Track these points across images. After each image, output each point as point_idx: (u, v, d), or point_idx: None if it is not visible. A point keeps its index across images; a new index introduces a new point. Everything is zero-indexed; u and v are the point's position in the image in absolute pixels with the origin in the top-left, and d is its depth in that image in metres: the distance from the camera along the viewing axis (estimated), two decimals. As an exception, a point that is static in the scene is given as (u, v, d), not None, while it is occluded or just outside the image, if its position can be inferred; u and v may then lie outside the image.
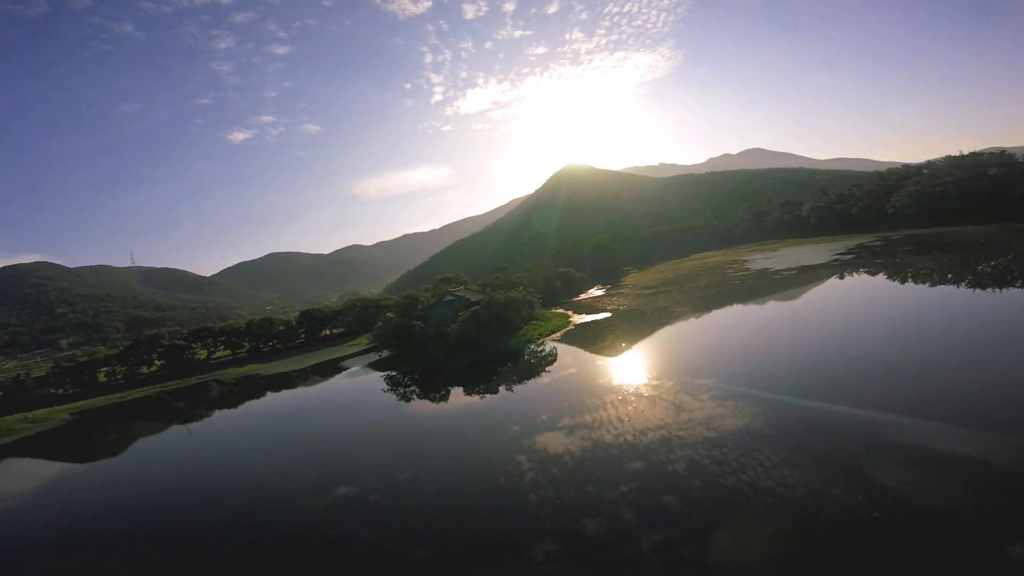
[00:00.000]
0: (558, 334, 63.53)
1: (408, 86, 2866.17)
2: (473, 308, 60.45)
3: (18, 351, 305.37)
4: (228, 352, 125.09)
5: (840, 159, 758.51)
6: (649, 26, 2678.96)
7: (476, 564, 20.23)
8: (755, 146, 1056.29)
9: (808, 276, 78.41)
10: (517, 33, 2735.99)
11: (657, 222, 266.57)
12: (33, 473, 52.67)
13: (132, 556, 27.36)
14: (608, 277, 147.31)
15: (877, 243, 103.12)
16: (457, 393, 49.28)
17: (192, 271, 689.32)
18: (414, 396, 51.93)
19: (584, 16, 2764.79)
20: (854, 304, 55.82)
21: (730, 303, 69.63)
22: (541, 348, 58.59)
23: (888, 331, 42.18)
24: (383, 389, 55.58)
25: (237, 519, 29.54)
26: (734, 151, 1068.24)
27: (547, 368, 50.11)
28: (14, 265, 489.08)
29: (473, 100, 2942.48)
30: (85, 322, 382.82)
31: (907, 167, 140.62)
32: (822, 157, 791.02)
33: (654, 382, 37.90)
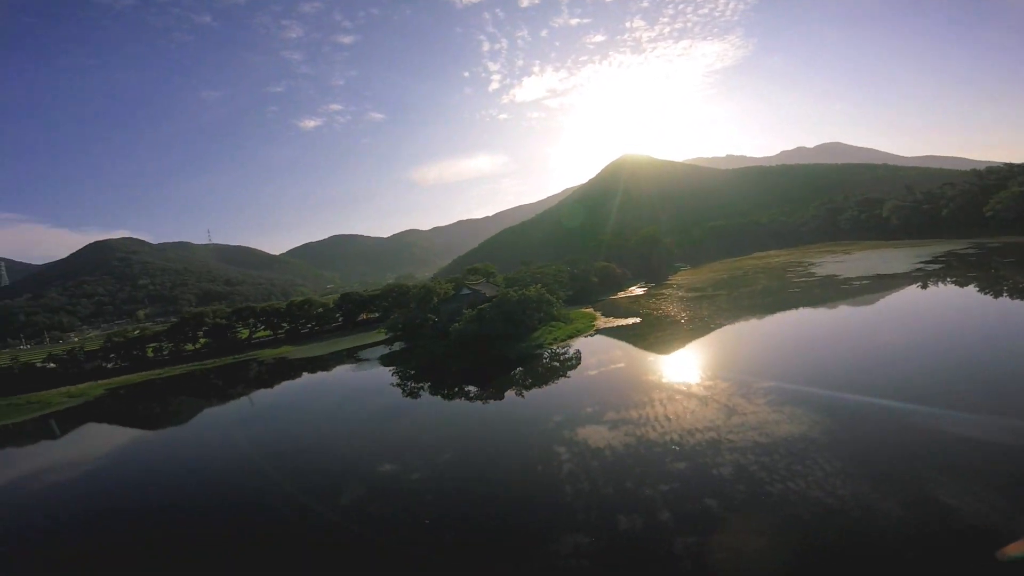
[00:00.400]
0: (576, 340, 57.34)
1: (466, 74, 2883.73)
2: (482, 306, 55.47)
3: (101, 320, 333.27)
4: (269, 332, 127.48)
5: (929, 156, 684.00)
6: (717, 14, 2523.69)
7: (504, 550, 20.24)
8: (833, 140, 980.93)
9: (884, 286, 67.52)
10: (574, 21, 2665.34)
11: (719, 216, 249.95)
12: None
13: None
14: (655, 274, 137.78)
15: (970, 251, 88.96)
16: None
17: (263, 249, 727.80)
18: (402, 394, 48.02)
19: (646, 4, 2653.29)
20: (940, 318, 47.06)
21: (785, 311, 60.78)
22: (564, 350, 53.06)
23: (987, 349, 35.73)
24: (392, 383, 52.56)
25: (278, 492, 29.49)
26: (810, 144, 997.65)
27: (563, 375, 44.76)
28: (104, 240, 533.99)
29: (529, 88, 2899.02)
30: (162, 294, 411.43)
31: (1010, 166, 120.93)
32: (909, 154, 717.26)
33: (707, 382, 36.55)
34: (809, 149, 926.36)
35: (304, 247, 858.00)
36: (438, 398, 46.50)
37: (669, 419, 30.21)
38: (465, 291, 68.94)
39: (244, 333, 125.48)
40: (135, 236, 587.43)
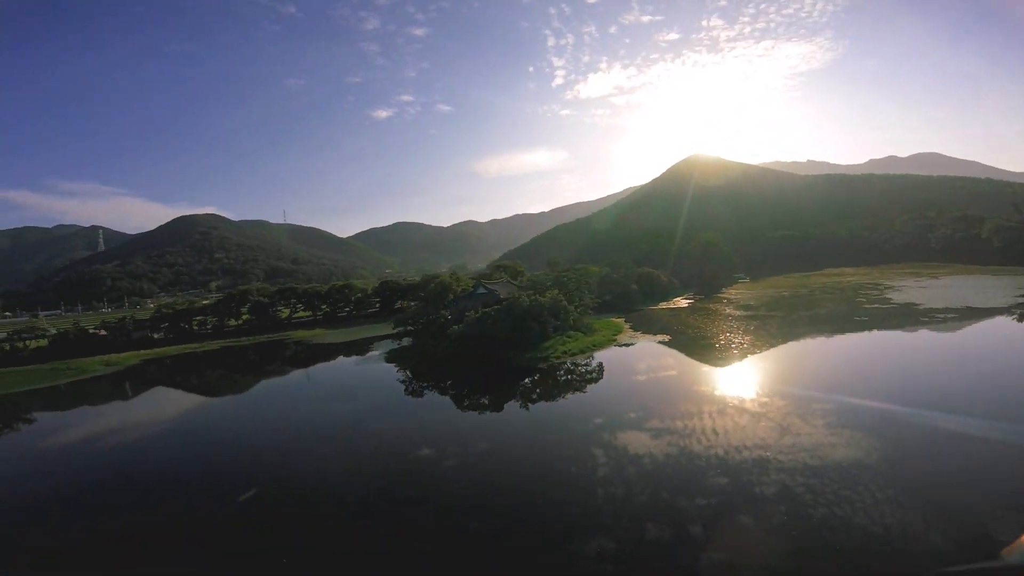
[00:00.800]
0: (591, 354, 51.22)
1: (531, 69, 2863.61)
2: (487, 309, 50.68)
3: (177, 289, 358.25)
4: (308, 313, 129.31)
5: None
6: (803, 15, 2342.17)
7: (526, 545, 20.20)
8: (930, 150, 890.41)
9: (975, 322, 56.51)
10: (645, 18, 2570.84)
11: (791, 226, 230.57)
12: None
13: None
14: (708, 285, 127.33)
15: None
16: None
17: (331, 232, 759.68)
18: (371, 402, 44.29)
19: (724, 3, 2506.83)
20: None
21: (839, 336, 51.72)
22: (583, 363, 47.56)
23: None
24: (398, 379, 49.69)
25: (311, 475, 29.76)
26: (903, 154, 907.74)
27: (571, 392, 39.32)
28: (190, 215, 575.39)
29: (595, 85, 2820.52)
30: (235, 268, 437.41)
31: None
32: (1018, 169, 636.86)
33: (763, 399, 35.64)
34: (902, 159, 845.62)
35: (369, 232, 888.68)
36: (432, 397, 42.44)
37: (717, 433, 29.46)
38: (481, 290, 64.41)
39: (285, 312, 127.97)
40: (218, 213, 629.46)
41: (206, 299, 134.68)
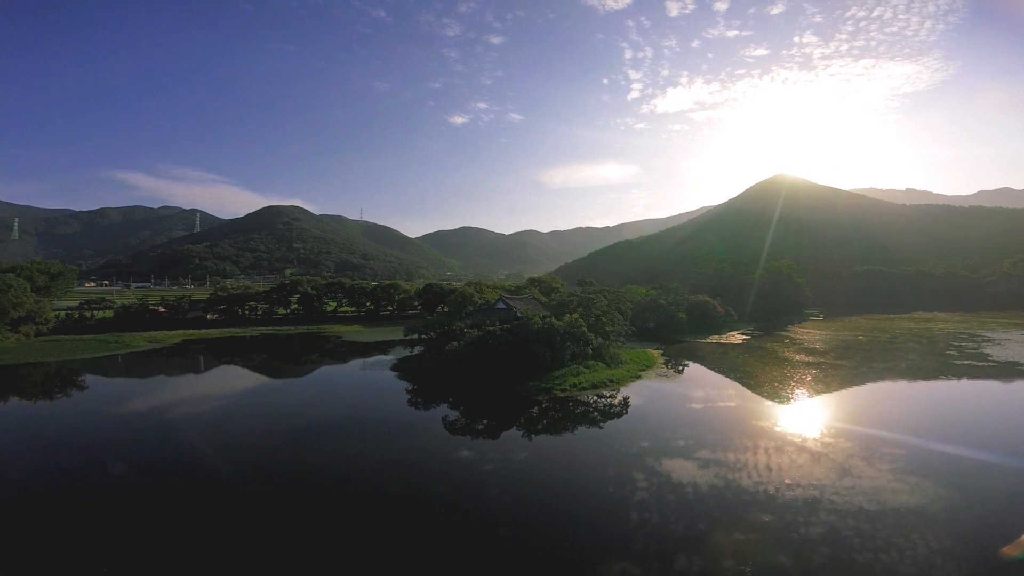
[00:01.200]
0: (605, 390, 44.90)
1: (605, 81, 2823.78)
2: (492, 328, 45.71)
3: (255, 273, 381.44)
4: (353, 309, 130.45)
5: None
6: (909, 34, 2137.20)
7: (552, 558, 19.93)
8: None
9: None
10: (731, 33, 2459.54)
11: (880, 260, 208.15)
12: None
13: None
14: (774, 318, 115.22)
15: None
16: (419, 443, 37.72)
17: (401, 231, 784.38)
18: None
19: (819, 19, 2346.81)
20: None
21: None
22: (610, 397, 41.90)
23: None
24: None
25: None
26: (1019, 186, 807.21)
27: (557, 440, 33.53)
28: (277, 205, 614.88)
29: (673, 99, 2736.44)
30: (309, 258, 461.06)
31: None
32: None
33: (827, 438, 34.16)
34: (1017, 191, 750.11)
35: (436, 234, 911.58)
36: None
37: (770, 469, 28.33)
38: (500, 305, 59.55)
39: (331, 306, 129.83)
40: (302, 205, 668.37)
41: (261, 286, 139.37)
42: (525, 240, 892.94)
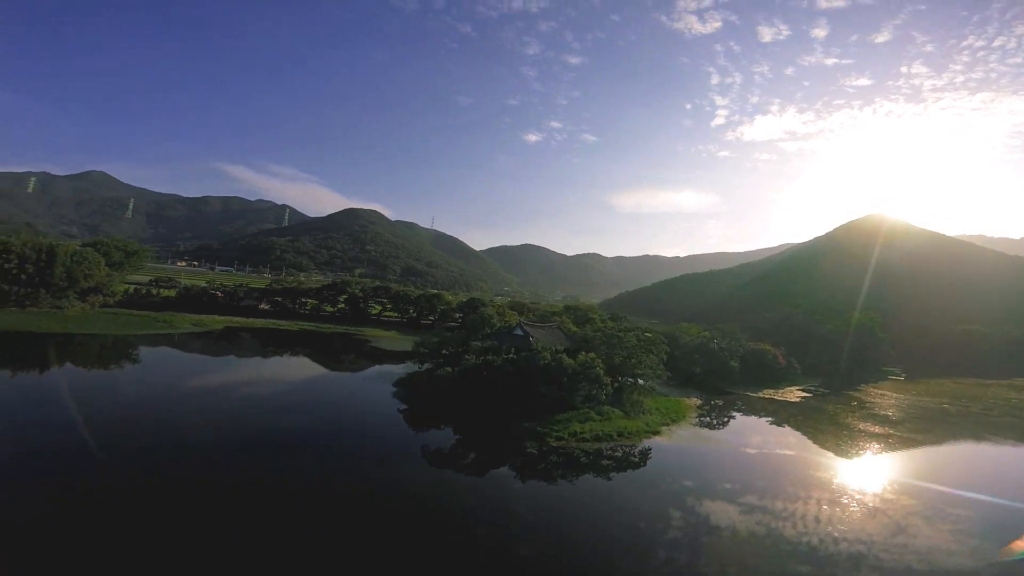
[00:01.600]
0: (610, 445, 38.29)
1: (688, 106, 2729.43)
2: (492, 358, 40.60)
3: (328, 269, 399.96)
4: (396, 314, 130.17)
5: None
6: None
7: None
8: None
9: None
10: (830, 61, 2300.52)
11: (983, 318, 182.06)
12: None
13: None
14: (844, 376, 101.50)
15: None
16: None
17: (467, 243, 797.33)
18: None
19: (930, 48, 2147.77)
20: None
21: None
22: (595, 457, 35.96)
23: None
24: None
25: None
26: None
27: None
28: (355, 208, 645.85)
29: (762, 128, 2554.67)
30: (379, 260, 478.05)
31: None
32: None
33: (888, 494, 32.74)
34: None
35: (499, 248, 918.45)
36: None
37: (818, 520, 27.35)
38: (518, 331, 54.31)
39: (376, 309, 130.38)
40: (379, 209, 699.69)
41: (315, 282, 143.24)
42: (587, 263, 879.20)
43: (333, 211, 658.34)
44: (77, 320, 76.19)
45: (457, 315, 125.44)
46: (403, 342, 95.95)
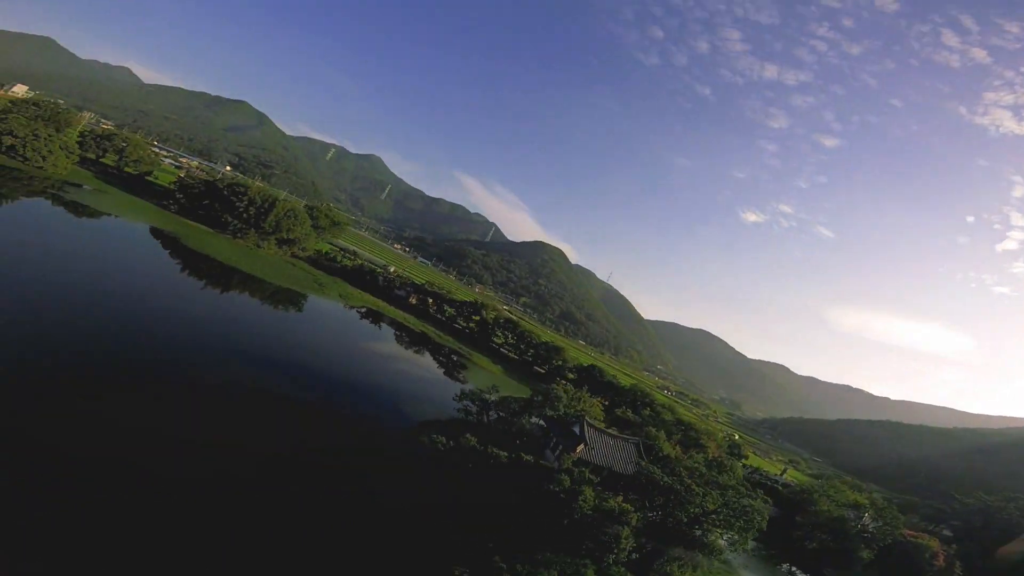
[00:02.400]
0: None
1: (971, 219, 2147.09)
2: (497, 452, 31.29)
3: (500, 288, 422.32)
4: (515, 352, 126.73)
5: None
6: None
7: None
8: None
9: None
10: None
11: None
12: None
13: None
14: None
15: None
16: None
17: (636, 306, 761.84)
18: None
19: None
20: None
21: None
22: None
23: None
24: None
25: None
26: None
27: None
28: (543, 243, 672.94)
29: None
30: (544, 295, 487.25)
31: None
32: None
33: None
34: None
35: (670, 324, 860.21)
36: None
37: None
38: (575, 426, 43.07)
39: (500, 339, 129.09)
40: (565, 250, 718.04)
41: (463, 296, 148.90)
42: (768, 372, 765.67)
43: (525, 240, 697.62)
44: (263, 262, 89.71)
45: (571, 375, 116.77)
46: (503, 381, 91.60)
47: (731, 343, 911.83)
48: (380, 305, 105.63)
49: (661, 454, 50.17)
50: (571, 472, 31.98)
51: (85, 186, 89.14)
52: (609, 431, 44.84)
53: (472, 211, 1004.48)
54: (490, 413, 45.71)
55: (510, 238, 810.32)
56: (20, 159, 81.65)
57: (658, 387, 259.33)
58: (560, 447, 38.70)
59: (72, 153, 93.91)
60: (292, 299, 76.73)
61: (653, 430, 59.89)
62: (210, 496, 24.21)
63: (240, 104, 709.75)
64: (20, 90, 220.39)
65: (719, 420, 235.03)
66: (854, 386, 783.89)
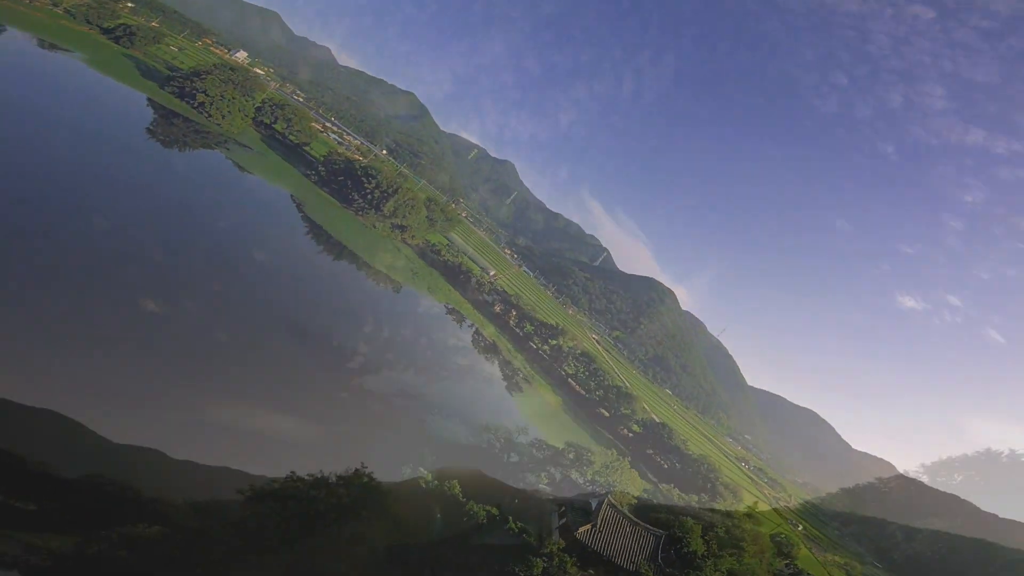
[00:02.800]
0: None
1: None
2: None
3: (597, 317, 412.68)
4: (583, 387, 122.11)
5: None
6: None
7: None
8: None
9: None
10: None
11: None
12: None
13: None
14: None
15: None
16: None
17: (743, 371, 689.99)
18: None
19: None
20: None
21: None
22: None
23: None
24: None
25: None
26: None
27: None
28: (656, 281, 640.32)
29: None
30: (640, 335, 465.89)
31: None
32: None
33: None
34: None
35: (775, 397, 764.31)
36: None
37: None
38: (593, 500, 38.09)
39: (571, 370, 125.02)
40: (679, 293, 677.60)
41: (548, 319, 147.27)
42: (868, 466, 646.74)
43: (639, 272, 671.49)
44: (370, 242, 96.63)
45: (637, 427, 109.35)
46: (550, 420, 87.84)
47: (838, 428, 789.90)
48: (464, 306, 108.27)
49: (686, 550, 43.77)
50: (551, 557, 28.45)
51: (252, 148, 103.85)
52: (631, 516, 39.35)
53: (587, 232, 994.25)
54: (511, 455, 43.54)
55: (620, 267, 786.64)
56: (205, 115, 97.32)
57: (737, 458, 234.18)
58: (565, 519, 35.07)
59: (248, 116, 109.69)
60: (384, 280, 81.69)
61: (691, 520, 52.64)
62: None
63: (408, 95, 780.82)
64: (241, 56, 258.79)
65: (790, 506, 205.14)
66: (961, 496, 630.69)
